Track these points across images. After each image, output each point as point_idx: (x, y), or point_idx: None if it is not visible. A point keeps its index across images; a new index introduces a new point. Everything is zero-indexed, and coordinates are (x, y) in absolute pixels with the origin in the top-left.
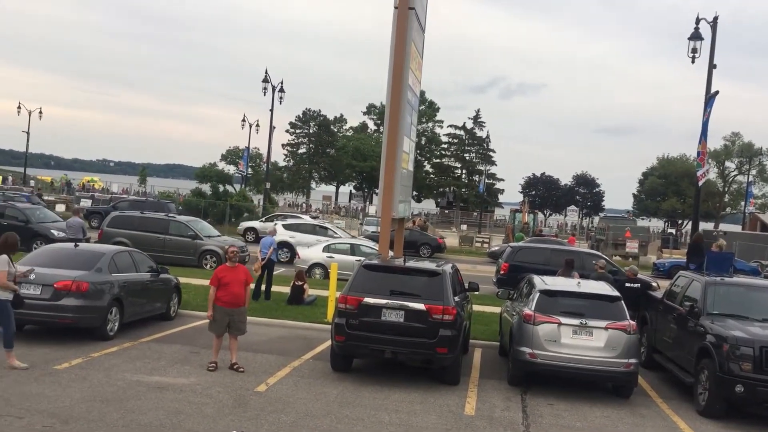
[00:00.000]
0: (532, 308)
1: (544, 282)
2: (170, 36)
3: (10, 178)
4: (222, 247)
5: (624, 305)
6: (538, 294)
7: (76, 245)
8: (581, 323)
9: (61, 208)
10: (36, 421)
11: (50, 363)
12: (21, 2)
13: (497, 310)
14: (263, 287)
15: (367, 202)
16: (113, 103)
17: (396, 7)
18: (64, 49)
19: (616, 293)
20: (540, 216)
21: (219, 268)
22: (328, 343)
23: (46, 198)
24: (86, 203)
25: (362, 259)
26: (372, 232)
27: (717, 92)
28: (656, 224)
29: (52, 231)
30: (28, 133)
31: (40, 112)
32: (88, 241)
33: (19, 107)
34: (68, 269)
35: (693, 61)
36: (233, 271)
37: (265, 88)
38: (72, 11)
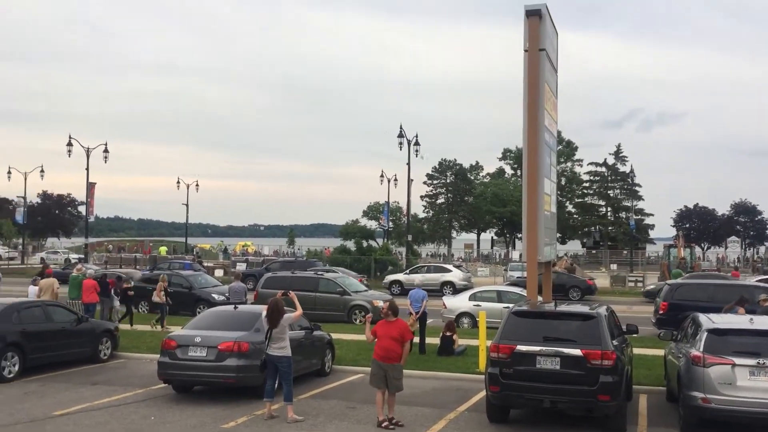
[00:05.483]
0: (701, 349)
1: (710, 320)
2: (307, 102)
3: (174, 247)
4: (369, 301)
5: None
6: (705, 333)
7: (235, 307)
8: (759, 363)
9: (219, 272)
10: None
11: (218, 422)
12: (168, 84)
13: (660, 352)
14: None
15: (510, 248)
16: (260, 171)
17: (526, 50)
18: (210, 124)
19: None
20: (697, 250)
21: (377, 323)
22: (483, 393)
23: (205, 264)
24: (241, 267)
25: (510, 306)
26: (517, 277)
27: None
28: None
29: (213, 295)
30: (187, 205)
31: (197, 185)
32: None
33: (178, 182)
34: (229, 330)
35: None
36: (388, 325)
37: (401, 143)
38: (212, 89)
